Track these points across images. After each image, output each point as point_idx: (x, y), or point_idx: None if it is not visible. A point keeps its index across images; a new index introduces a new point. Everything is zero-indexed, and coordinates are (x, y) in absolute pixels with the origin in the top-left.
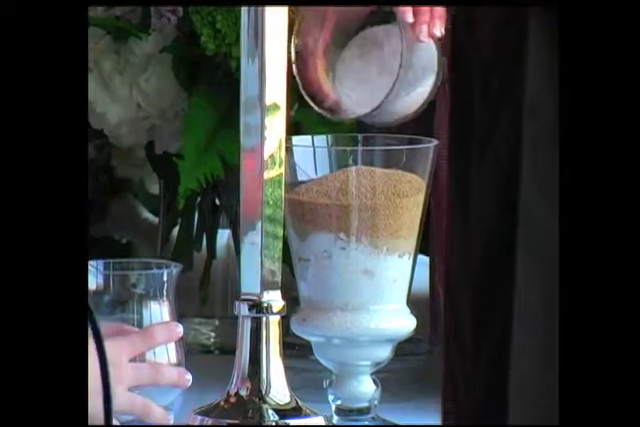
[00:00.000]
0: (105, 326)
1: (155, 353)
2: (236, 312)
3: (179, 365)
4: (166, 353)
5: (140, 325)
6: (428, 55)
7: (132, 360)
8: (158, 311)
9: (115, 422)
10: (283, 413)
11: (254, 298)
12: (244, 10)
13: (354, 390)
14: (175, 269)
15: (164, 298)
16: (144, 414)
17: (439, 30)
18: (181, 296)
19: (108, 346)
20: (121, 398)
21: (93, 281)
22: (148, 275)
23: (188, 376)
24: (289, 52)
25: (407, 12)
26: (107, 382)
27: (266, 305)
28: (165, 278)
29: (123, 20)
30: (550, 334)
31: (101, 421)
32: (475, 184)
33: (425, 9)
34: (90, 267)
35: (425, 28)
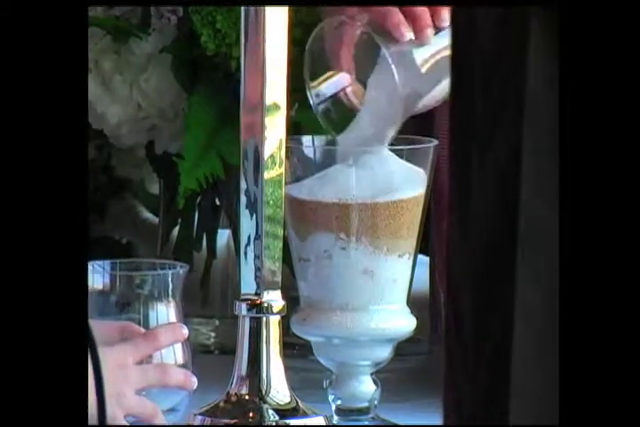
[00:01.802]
0: (112, 325)
1: (161, 354)
2: (236, 312)
3: (185, 366)
4: (173, 354)
5: (145, 325)
6: (442, 44)
7: (139, 363)
8: (164, 312)
9: (125, 423)
10: (283, 413)
11: (254, 298)
12: (243, 10)
13: (354, 390)
14: (182, 269)
15: (170, 299)
16: (152, 416)
17: (443, 21)
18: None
19: (114, 350)
20: (130, 400)
21: (100, 281)
22: (154, 275)
23: (194, 379)
24: (289, 52)
25: (398, 31)
26: (101, 387)
27: (266, 305)
28: (172, 279)
29: (123, 20)
30: (550, 334)
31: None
32: (475, 184)
33: (421, 12)
34: (97, 267)
35: (429, 31)
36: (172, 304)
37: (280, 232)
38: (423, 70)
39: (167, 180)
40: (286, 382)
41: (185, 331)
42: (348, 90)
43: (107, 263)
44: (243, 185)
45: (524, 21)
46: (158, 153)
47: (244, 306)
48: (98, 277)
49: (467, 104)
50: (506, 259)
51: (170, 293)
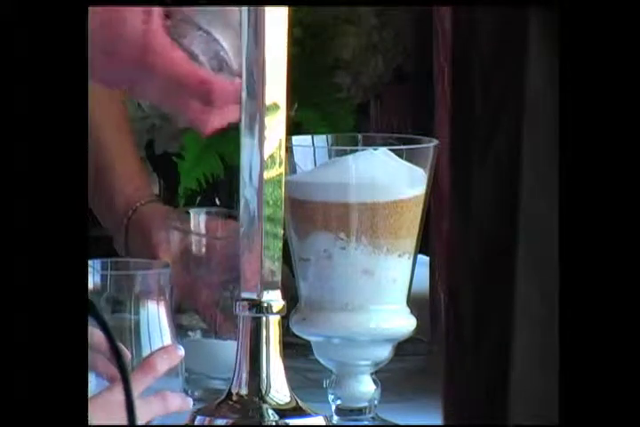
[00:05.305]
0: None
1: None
2: (236, 312)
3: (176, 369)
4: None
5: (137, 325)
6: None
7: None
8: (155, 312)
9: None
10: (283, 413)
11: (254, 298)
12: (244, 10)
13: (354, 390)
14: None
15: (162, 298)
16: None
17: None
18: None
19: (115, 389)
20: None
21: (91, 281)
22: (145, 275)
23: (190, 401)
24: (289, 52)
25: None
26: (125, 373)
27: (266, 305)
28: (163, 278)
29: None
30: (550, 334)
31: None
32: (475, 184)
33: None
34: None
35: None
36: (163, 303)
37: (280, 232)
38: None
39: (167, 180)
40: (286, 382)
41: (181, 352)
42: None
43: (97, 262)
44: (242, 185)
45: (524, 21)
46: (158, 153)
47: (244, 306)
48: (89, 276)
49: (467, 104)
50: (506, 259)
51: (161, 292)
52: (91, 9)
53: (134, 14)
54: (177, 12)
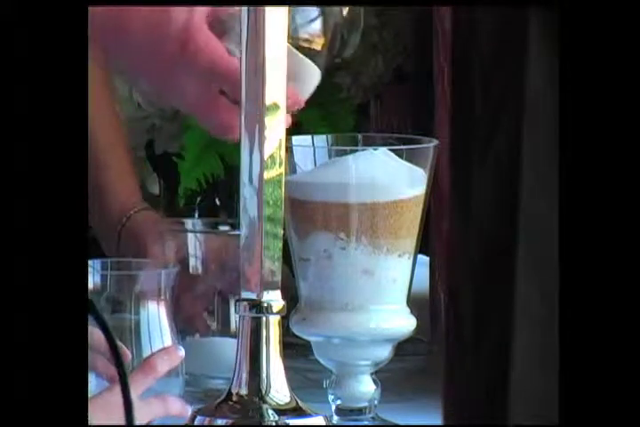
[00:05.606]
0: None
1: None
2: (236, 312)
3: (177, 369)
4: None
5: (137, 325)
6: None
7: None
8: (156, 312)
9: None
10: (283, 413)
11: (254, 298)
12: (243, 10)
13: (354, 390)
14: (173, 268)
15: (162, 298)
16: None
17: None
18: None
19: (114, 389)
20: None
21: (91, 281)
22: (145, 275)
23: (189, 407)
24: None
25: None
26: (123, 373)
27: (266, 305)
28: (164, 278)
29: None
30: (550, 334)
31: None
32: (475, 184)
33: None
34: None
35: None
36: (164, 303)
37: (280, 232)
38: None
39: (167, 180)
40: (286, 382)
41: (181, 353)
42: None
43: (97, 262)
44: (242, 185)
45: (524, 21)
46: (158, 153)
47: (244, 306)
48: (89, 276)
49: (467, 104)
50: (506, 259)
51: (162, 292)
52: (131, 9)
53: (178, 10)
54: (220, 9)
